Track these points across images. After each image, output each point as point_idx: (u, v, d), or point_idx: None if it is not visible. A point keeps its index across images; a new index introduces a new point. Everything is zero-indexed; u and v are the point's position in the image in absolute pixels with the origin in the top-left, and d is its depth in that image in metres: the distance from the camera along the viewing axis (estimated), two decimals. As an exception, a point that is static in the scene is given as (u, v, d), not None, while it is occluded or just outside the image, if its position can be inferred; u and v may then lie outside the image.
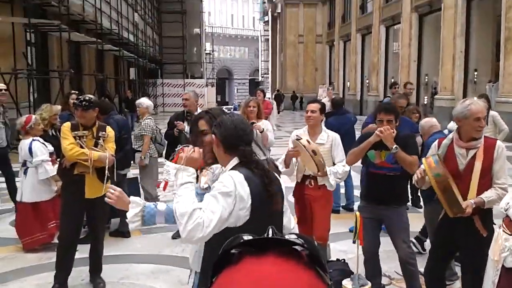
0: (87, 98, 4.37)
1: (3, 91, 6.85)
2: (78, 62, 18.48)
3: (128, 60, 24.88)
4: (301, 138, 3.95)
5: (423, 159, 3.22)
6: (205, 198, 2.13)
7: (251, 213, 2.13)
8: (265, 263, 0.68)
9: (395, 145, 3.60)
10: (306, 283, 0.68)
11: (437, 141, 3.44)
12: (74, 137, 4.20)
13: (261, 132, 5.42)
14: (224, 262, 0.71)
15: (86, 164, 4.16)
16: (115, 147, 4.44)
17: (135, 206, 2.36)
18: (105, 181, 4.29)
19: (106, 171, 4.24)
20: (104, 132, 4.33)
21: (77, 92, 7.35)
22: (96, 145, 4.27)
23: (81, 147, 4.19)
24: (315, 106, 4.41)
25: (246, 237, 0.74)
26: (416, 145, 3.70)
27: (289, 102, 32.96)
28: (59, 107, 6.01)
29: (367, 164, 3.92)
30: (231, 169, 2.22)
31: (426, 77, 19.49)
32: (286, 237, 0.74)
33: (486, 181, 3.14)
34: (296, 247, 0.71)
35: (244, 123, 2.35)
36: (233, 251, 0.72)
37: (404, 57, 20.02)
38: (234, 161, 2.25)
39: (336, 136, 4.42)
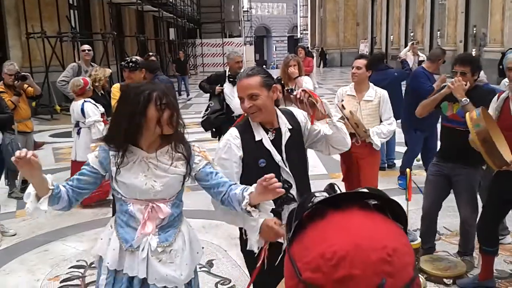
0: (133, 59, 4.46)
1: (87, 51, 7.28)
2: (119, 24, 18.66)
3: (167, 20, 24.91)
4: (345, 108, 3.91)
5: (467, 113, 3.13)
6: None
7: None
8: (354, 216, 0.69)
9: (465, 98, 3.43)
10: (398, 232, 0.70)
11: (497, 94, 3.34)
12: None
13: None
14: (303, 219, 0.71)
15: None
16: None
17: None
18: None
19: None
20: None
21: (154, 53, 7.52)
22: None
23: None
24: (360, 62, 4.31)
25: (319, 194, 0.75)
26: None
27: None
28: (109, 70, 6.15)
29: (441, 117, 3.80)
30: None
31: (474, 29, 18.60)
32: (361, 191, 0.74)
33: None
34: (371, 201, 0.72)
35: None
36: (310, 208, 0.72)
37: (451, 8, 19.12)
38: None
39: (384, 93, 4.33)
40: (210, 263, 4.15)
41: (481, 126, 2.96)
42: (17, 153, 1.92)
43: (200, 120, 6.17)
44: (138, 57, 4.97)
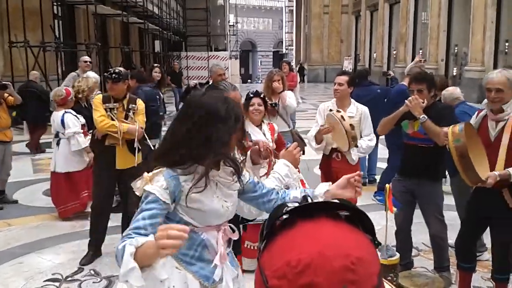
0: (116, 70, 4.44)
1: (88, 63, 7.44)
2: (104, 35, 18.58)
3: (153, 32, 24.89)
4: (340, 111, 3.93)
5: (450, 127, 3.19)
6: None
7: None
8: (323, 225, 0.71)
9: (423, 115, 3.53)
10: (364, 242, 0.71)
11: (477, 112, 3.45)
12: (105, 109, 4.28)
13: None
14: (274, 229, 0.73)
15: (116, 136, 4.26)
16: (145, 119, 4.51)
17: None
18: (136, 152, 4.39)
19: (136, 143, 4.33)
20: (134, 105, 4.40)
21: (159, 65, 7.63)
22: (126, 117, 4.35)
23: (112, 119, 4.28)
24: (342, 79, 4.37)
25: (291, 204, 0.76)
26: (454, 117, 3.61)
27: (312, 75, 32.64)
28: (93, 80, 6.09)
29: (403, 135, 3.88)
30: None
31: (456, 48, 18.97)
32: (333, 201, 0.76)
33: None
34: (342, 212, 0.74)
35: None
36: (283, 217, 0.73)
37: (433, 27, 19.48)
38: None
39: (365, 109, 4.38)
40: None
41: (460, 142, 3.01)
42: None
43: None
44: (121, 68, 4.95)
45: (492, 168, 3.14)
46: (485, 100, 4.68)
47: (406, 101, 3.65)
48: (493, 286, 3.50)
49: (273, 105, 4.98)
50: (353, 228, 0.72)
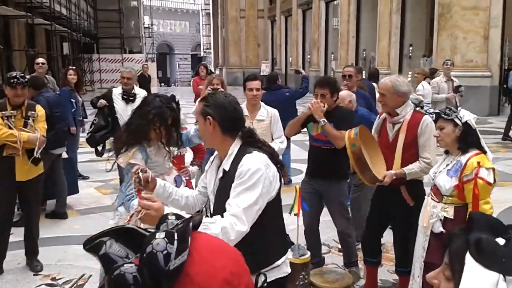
0: (21, 74, 4.13)
1: (40, 64, 6.99)
2: (7, 37, 17.41)
3: (61, 34, 23.73)
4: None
5: (347, 131, 3.34)
6: (236, 194, 2.03)
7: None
8: (201, 236, 0.78)
9: (323, 119, 3.66)
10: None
11: (379, 114, 3.65)
12: (2, 118, 3.98)
13: None
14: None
15: (16, 146, 3.96)
16: (46, 126, 4.24)
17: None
18: (37, 162, 4.13)
19: (35, 153, 4.05)
20: (33, 112, 4.12)
21: (74, 67, 7.18)
22: (25, 125, 4.06)
23: (10, 128, 3.98)
24: (258, 84, 4.42)
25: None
26: (354, 121, 3.76)
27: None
28: None
29: (308, 137, 4.00)
30: (239, 151, 2.14)
31: (364, 52, 19.97)
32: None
33: (412, 154, 3.30)
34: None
35: (237, 102, 2.26)
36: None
37: (343, 33, 20.36)
38: (237, 142, 2.18)
39: (275, 112, 4.45)
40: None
41: (356, 146, 3.16)
42: None
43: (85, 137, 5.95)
44: (21, 73, 4.64)
45: (390, 167, 3.32)
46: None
47: (308, 104, 3.78)
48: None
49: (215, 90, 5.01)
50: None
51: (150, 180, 2.26)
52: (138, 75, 15.45)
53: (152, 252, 0.66)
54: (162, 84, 42.73)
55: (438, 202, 2.95)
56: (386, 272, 4.13)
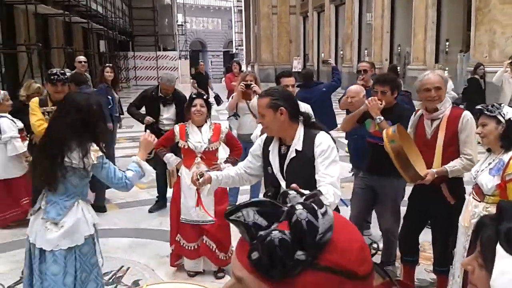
0: (62, 71, 4.28)
1: (83, 63, 7.26)
2: (45, 35, 17.90)
3: (98, 32, 24.25)
4: None
5: (384, 130, 3.29)
6: (325, 167, 2.50)
7: None
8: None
9: (379, 116, 3.62)
10: None
11: (415, 111, 3.57)
12: (43, 113, 4.12)
13: None
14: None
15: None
16: None
17: None
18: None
19: None
20: (73, 107, 4.25)
21: (111, 64, 7.37)
22: (66, 120, 4.19)
23: (51, 123, 4.11)
24: (293, 80, 4.44)
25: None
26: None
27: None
28: (37, 85, 5.77)
29: (366, 133, 3.95)
30: (304, 133, 2.60)
31: (399, 48, 19.62)
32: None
33: (452, 151, 3.22)
34: None
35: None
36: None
37: (377, 28, 20.05)
38: (301, 126, 2.62)
39: (308, 108, 4.44)
40: (136, 283, 4.01)
41: (395, 142, 3.10)
42: None
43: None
44: (61, 69, 4.77)
45: (430, 166, 3.25)
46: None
47: (365, 101, 3.75)
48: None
49: (248, 86, 5.03)
50: None
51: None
52: (194, 73, 15.07)
53: (298, 220, 0.72)
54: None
55: (480, 201, 2.88)
56: (424, 271, 4.07)
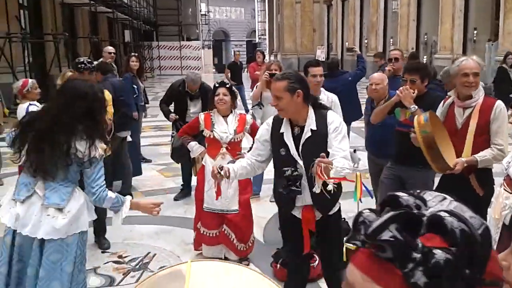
0: (88, 60, 4.34)
1: (113, 54, 7.27)
2: (72, 25, 18.17)
3: (123, 22, 24.47)
4: None
5: (415, 117, 3.22)
6: (338, 142, 2.72)
7: None
8: None
9: (413, 105, 3.53)
10: None
11: (443, 100, 3.47)
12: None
13: None
14: None
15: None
16: (112, 111, 4.42)
17: None
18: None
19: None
20: (101, 96, 4.31)
21: (136, 54, 7.39)
22: (94, 108, 4.25)
23: (80, 110, 4.17)
24: (321, 70, 4.40)
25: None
26: None
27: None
28: (71, 73, 5.87)
29: (395, 122, 3.86)
30: (315, 113, 2.79)
31: (425, 37, 19.25)
32: None
33: (483, 141, 3.15)
34: None
35: None
36: None
37: (403, 16, 19.70)
38: (310, 107, 2.80)
39: (334, 98, 4.40)
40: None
41: (427, 132, 3.03)
42: None
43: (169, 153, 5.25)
44: (87, 59, 4.83)
45: (459, 155, 3.19)
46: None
47: (397, 91, 3.65)
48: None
49: (273, 75, 5.03)
50: None
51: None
52: (230, 62, 14.72)
53: (466, 232, 0.63)
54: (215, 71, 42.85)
55: (511, 193, 2.82)
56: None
